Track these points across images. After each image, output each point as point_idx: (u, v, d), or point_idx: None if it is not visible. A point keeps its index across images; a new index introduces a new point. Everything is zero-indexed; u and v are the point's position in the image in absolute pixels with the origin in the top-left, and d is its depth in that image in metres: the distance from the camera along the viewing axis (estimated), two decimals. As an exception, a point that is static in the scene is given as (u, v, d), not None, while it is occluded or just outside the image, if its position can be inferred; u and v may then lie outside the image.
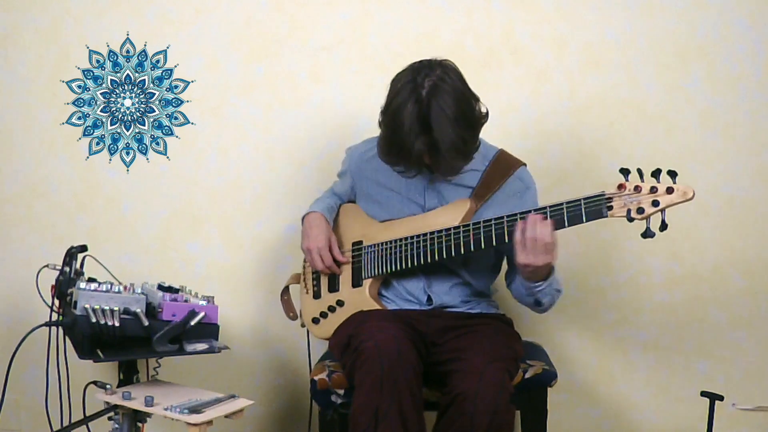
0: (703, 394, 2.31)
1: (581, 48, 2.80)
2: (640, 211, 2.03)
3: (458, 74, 2.18)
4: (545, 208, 2.11)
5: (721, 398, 2.30)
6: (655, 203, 2.02)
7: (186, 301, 2.30)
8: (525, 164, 2.38)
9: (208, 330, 2.29)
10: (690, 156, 2.79)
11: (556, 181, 2.81)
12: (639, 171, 2.03)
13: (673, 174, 2.00)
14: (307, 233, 2.45)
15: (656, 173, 2.02)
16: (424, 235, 2.26)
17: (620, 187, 2.04)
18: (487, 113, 2.23)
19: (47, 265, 2.39)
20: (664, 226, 2.02)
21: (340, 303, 2.41)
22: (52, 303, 2.32)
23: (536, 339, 2.68)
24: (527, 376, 2.28)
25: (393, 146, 2.17)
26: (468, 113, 2.15)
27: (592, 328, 2.87)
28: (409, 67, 2.19)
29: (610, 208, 2.05)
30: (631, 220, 2.04)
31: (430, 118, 2.10)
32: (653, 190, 2.02)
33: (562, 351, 2.84)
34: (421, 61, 2.19)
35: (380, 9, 2.84)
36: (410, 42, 2.82)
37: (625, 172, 2.04)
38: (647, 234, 2.03)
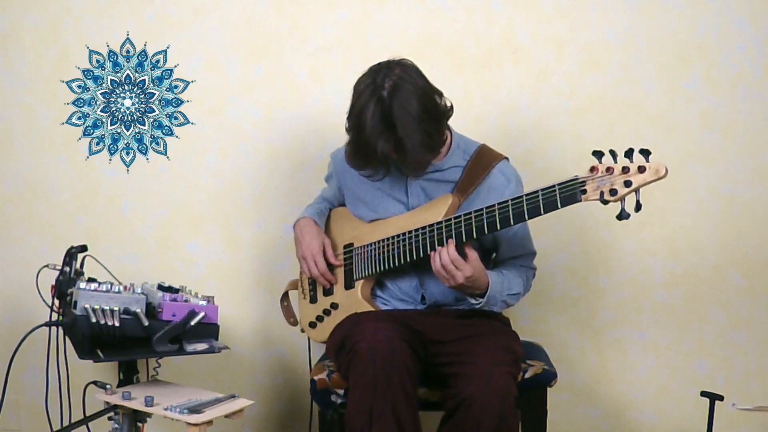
0: (703, 394, 2.31)
1: (581, 48, 2.80)
2: (613, 192, 1.98)
3: (418, 72, 2.19)
4: (521, 197, 2.11)
5: (721, 398, 2.30)
6: (628, 183, 1.97)
7: (186, 301, 2.30)
8: (507, 158, 2.38)
9: (208, 330, 2.29)
10: (690, 156, 2.79)
11: (556, 181, 2.80)
12: (612, 152, 2.00)
13: (646, 153, 1.96)
14: (300, 240, 2.46)
15: (629, 153, 1.97)
16: (410, 232, 2.26)
17: (593, 169, 2.01)
18: (451, 107, 2.24)
19: (47, 265, 2.39)
20: (638, 207, 1.98)
21: (334, 306, 2.42)
22: (52, 303, 2.33)
23: (536, 339, 2.68)
24: (527, 376, 2.28)
25: (358, 148, 2.19)
26: (431, 108, 2.16)
27: (592, 328, 2.87)
28: (369, 69, 2.20)
29: (584, 191, 2.02)
30: (605, 202, 2.00)
31: (393, 117, 2.11)
32: (625, 170, 1.97)
33: (562, 351, 2.84)
34: (379, 63, 2.20)
35: (380, 9, 2.84)
36: (410, 42, 2.82)
37: (598, 154, 2.01)
38: (622, 215, 1.99)
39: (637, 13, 2.77)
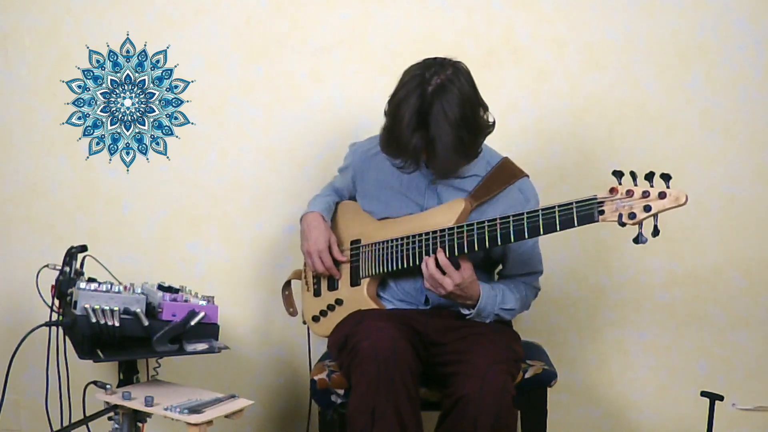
0: (703, 394, 2.31)
1: (581, 48, 2.80)
2: (632, 216, 1.97)
3: (469, 78, 2.16)
4: (537, 211, 2.09)
5: (721, 398, 2.30)
6: (647, 208, 1.96)
7: (186, 301, 2.30)
8: (528, 175, 2.36)
9: (208, 330, 2.29)
10: (690, 156, 2.79)
11: (557, 181, 2.81)
12: (632, 174, 1.98)
13: (666, 177, 1.94)
14: (307, 235, 2.45)
15: (650, 176, 1.96)
16: (419, 235, 2.25)
17: (612, 190, 2.00)
18: (493, 123, 2.21)
19: (47, 265, 2.39)
20: (656, 232, 1.96)
21: (339, 302, 2.42)
22: (52, 303, 2.33)
23: (536, 339, 2.68)
24: (527, 376, 2.28)
25: (392, 138, 2.16)
26: (470, 117, 2.13)
27: (592, 328, 2.87)
28: (422, 61, 2.17)
29: (602, 212, 2.00)
30: (622, 225, 1.99)
31: (429, 116, 2.09)
32: (645, 194, 1.96)
33: (562, 351, 2.84)
34: (435, 58, 2.17)
35: (380, 9, 2.84)
36: (410, 42, 2.82)
37: (618, 174, 1.99)
38: (639, 240, 1.99)
39: (637, 13, 2.77)
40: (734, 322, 2.82)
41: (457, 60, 2.18)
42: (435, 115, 2.09)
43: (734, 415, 2.73)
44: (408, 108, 2.10)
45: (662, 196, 1.95)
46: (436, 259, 2.19)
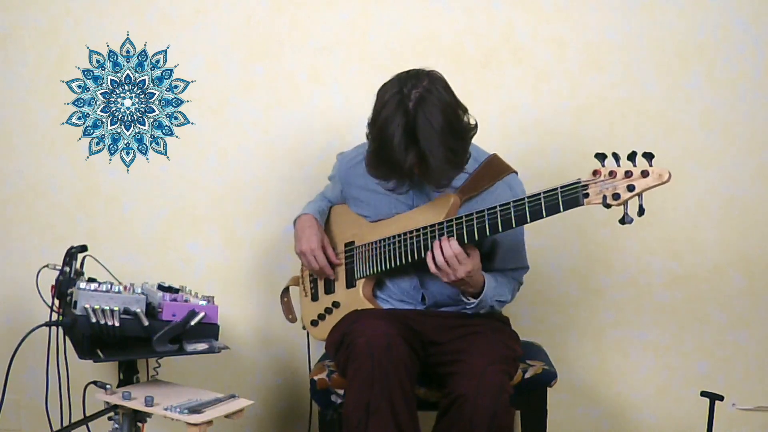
0: (703, 394, 2.31)
1: (581, 48, 2.80)
2: (616, 196, 1.97)
3: (445, 85, 2.14)
4: (523, 199, 2.10)
5: (721, 398, 2.30)
6: (631, 188, 1.96)
7: (186, 301, 2.31)
8: (516, 172, 2.36)
9: (208, 330, 2.29)
10: (690, 156, 2.79)
11: (556, 181, 2.78)
12: (615, 155, 1.99)
13: (649, 156, 1.95)
14: (300, 236, 2.46)
15: (632, 156, 1.97)
16: (411, 232, 2.26)
17: (595, 173, 2.00)
18: (476, 125, 2.21)
19: (47, 265, 2.39)
20: (641, 211, 1.97)
21: (336, 304, 2.42)
22: (52, 303, 2.33)
23: (536, 339, 2.68)
24: (527, 376, 2.28)
25: (383, 160, 2.15)
26: (455, 124, 2.12)
27: (592, 328, 2.87)
28: (396, 77, 2.15)
29: (587, 195, 2.01)
30: (607, 206, 1.99)
31: (417, 130, 2.07)
32: (628, 174, 1.97)
33: (562, 351, 2.84)
34: (408, 72, 2.15)
35: (380, 9, 2.84)
36: (410, 42, 2.82)
37: (600, 156, 2.00)
38: (625, 220, 1.99)
39: (637, 13, 2.77)
40: (734, 322, 2.82)
41: (430, 69, 2.16)
42: (422, 129, 2.07)
43: (734, 415, 2.74)
44: (396, 127, 2.08)
45: (645, 174, 1.95)
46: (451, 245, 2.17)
